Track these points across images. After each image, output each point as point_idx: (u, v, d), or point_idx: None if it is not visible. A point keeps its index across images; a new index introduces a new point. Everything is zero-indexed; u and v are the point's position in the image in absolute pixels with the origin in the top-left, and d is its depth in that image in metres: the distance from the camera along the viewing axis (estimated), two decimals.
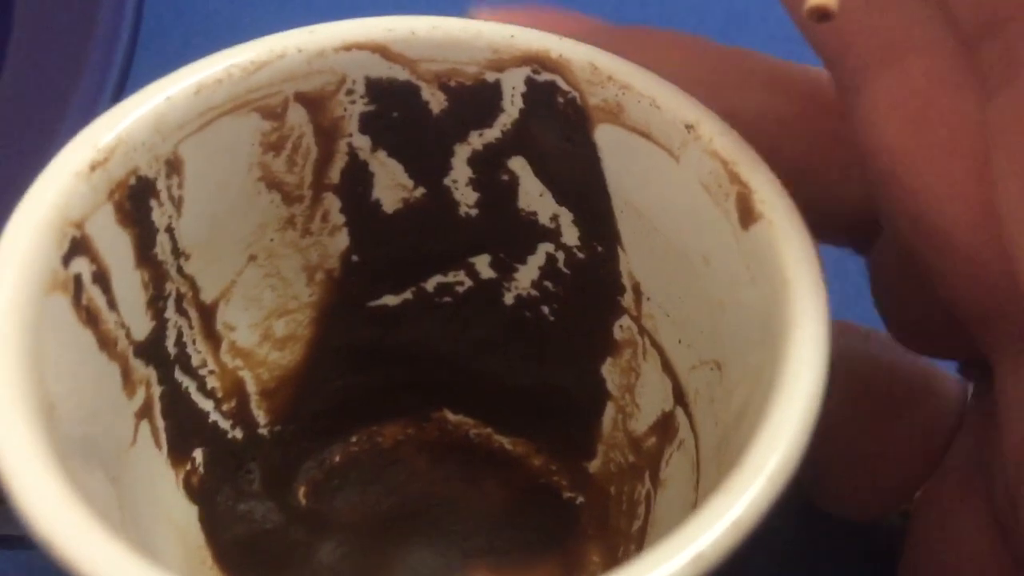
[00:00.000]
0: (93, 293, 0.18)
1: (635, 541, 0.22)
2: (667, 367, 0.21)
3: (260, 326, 0.22)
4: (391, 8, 0.20)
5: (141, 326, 0.19)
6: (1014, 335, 0.16)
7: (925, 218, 0.16)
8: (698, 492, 0.19)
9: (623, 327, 0.22)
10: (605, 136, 0.20)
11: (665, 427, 0.21)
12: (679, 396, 0.20)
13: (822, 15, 0.15)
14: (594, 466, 0.23)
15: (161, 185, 0.19)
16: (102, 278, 0.18)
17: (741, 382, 0.18)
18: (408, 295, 0.23)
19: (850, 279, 0.21)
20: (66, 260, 0.17)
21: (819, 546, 0.23)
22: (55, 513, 0.14)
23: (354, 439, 0.24)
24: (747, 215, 0.17)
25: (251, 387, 0.22)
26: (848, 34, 0.17)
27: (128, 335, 0.19)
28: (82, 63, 0.27)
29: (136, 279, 0.19)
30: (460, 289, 0.23)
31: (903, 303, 0.19)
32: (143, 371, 0.19)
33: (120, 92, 0.28)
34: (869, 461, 0.21)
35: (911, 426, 0.20)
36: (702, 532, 0.14)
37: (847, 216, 0.19)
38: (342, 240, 0.22)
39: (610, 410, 0.22)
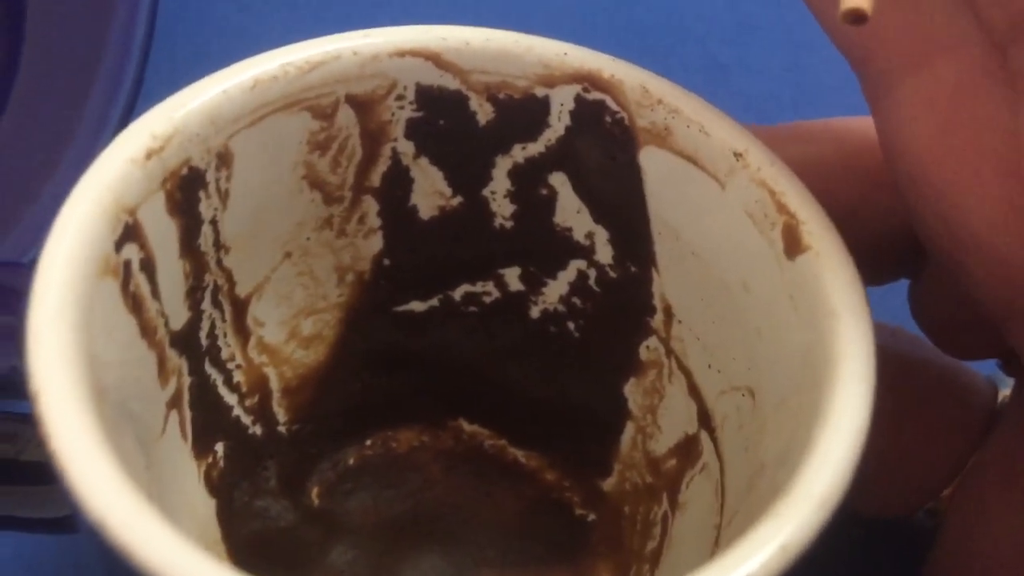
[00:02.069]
0: (140, 280, 0.18)
1: (649, 561, 0.22)
2: (693, 390, 0.21)
3: (288, 324, 0.22)
4: (402, 17, 0.20)
5: (179, 316, 0.19)
6: None
7: (954, 219, 0.17)
8: (723, 516, 0.19)
9: (650, 348, 0.22)
10: (650, 158, 0.20)
11: (687, 450, 0.21)
12: (704, 420, 0.21)
13: (857, 18, 0.15)
14: (609, 484, 0.23)
15: (211, 177, 0.19)
16: (148, 266, 0.18)
17: (776, 411, 0.18)
18: (435, 302, 0.23)
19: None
20: (118, 245, 0.17)
21: (845, 542, 0.23)
22: (108, 495, 0.14)
23: (369, 443, 0.24)
24: (794, 245, 0.18)
25: (274, 384, 0.22)
26: (877, 37, 0.17)
27: (166, 324, 0.19)
28: (95, 72, 0.27)
29: (178, 269, 0.19)
30: (487, 299, 0.23)
31: (951, 316, 0.20)
32: (176, 361, 0.19)
33: (133, 102, 0.28)
34: (897, 458, 0.21)
35: (939, 423, 0.20)
36: (751, 555, 0.14)
37: (897, 246, 0.20)
38: (376, 243, 0.22)
39: (630, 429, 0.23)
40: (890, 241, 0.20)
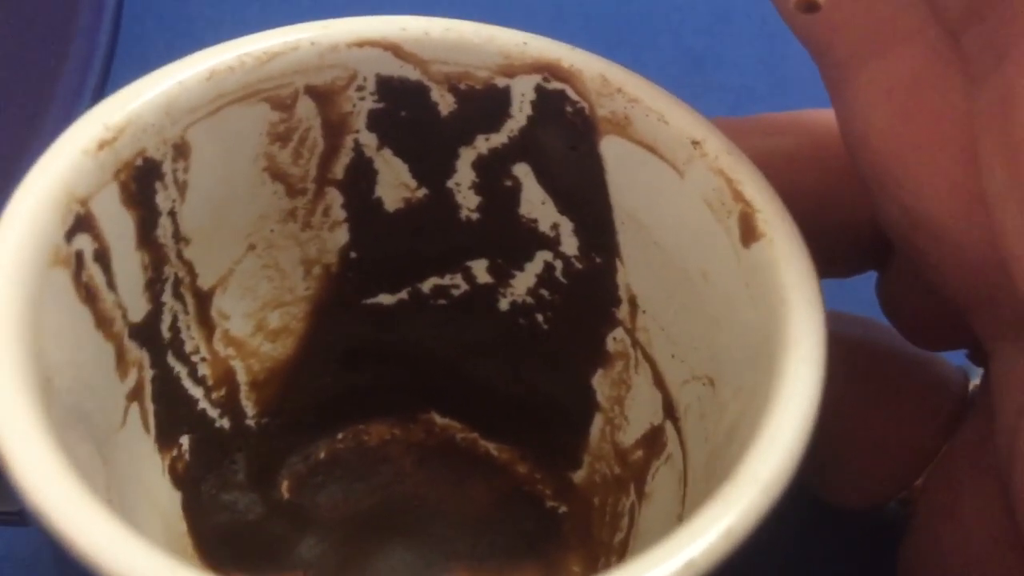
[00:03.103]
0: (93, 271, 0.18)
1: (616, 553, 0.22)
2: (659, 381, 0.21)
3: (254, 317, 0.22)
4: (370, 9, 0.20)
5: (138, 308, 0.19)
6: (1005, 320, 0.16)
7: (915, 208, 0.16)
8: (685, 506, 0.19)
9: (616, 339, 0.22)
10: (611, 148, 0.20)
11: (653, 441, 0.21)
12: (669, 410, 0.21)
13: (810, 6, 0.16)
14: (579, 476, 0.23)
15: (167, 168, 0.19)
16: (103, 257, 0.18)
17: (733, 399, 0.18)
18: (404, 295, 0.23)
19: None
20: (69, 236, 0.17)
21: (817, 533, 0.23)
22: (49, 484, 0.14)
23: (340, 436, 0.24)
24: (749, 233, 0.18)
25: (241, 377, 0.22)
26: (834, 25, 0.17)
27: (124, 316, 0.19)
28: (62, 66, 0.27)
29: (136, 261, 0.19)
30: (456, 292, 0.23)
31: (919, 307, 0.20)
32: (136, 353, 0.19)
33: (100, 94, 0.27)
34: (869, 448, 0.21)
35: (911, 412, 0.20)
36: (694, 539, 0.14)
37: (864, 237, 0.19)
38: (342, 236, 0.22)
39: (598, 421, 0.23)
40: (856, 232, 0.20)
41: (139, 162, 0.18)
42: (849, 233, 0.20)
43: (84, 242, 0.17)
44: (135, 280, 0.19)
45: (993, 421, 0.18)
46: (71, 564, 0.14)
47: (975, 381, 0.21)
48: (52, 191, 0.17)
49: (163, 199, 0.19)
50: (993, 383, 0.17)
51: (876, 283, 0.21)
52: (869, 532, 0.24)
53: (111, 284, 0.18)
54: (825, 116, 0.20)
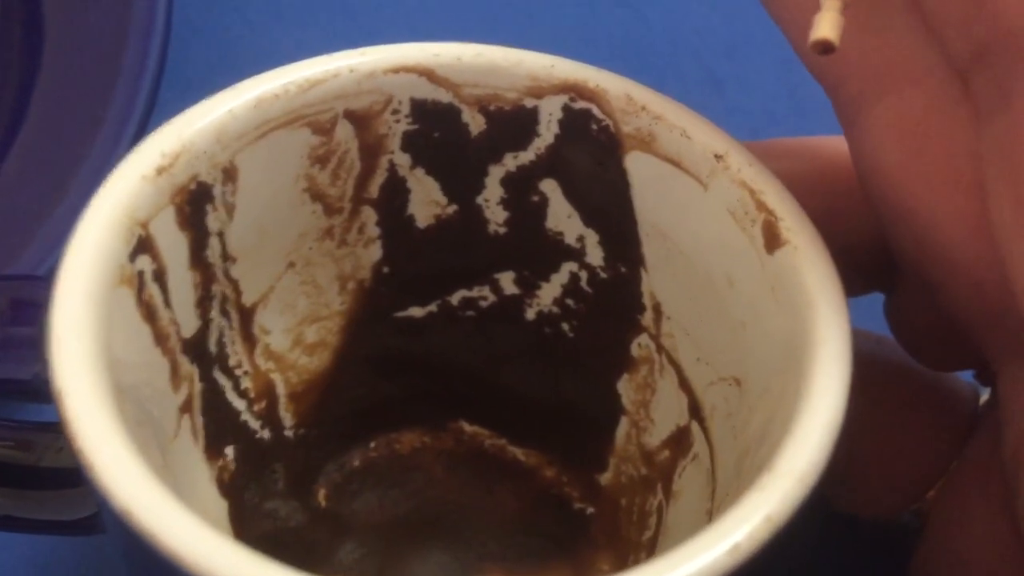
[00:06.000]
0: (153, 290, 0.19)
1: (646, 549, 0.23)
2: (684, 383, 0.22)
3: (293, 331, 0.23)
4: (405, 33, 0.21)
5: (189, 324, 0.20)
6: (1011, 343, 0.17)
7: (924, 236, 0.17)
8: (714, 501, 0.20)
9: (641, 345, 0.23)
10: (636, 163, 0.21)
11: (679, 441, 0.22)
12: (695, 411, 0.22)
13: (825, 48, 0.17)
14: (605, 478, 0.24)
15: (217, 191, 0.20)
16: (160, 276, 0.19)
17: (761, 399, 0.19)
18: (433, 307, 0.24)
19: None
20: (132, 257, 0.18)
21: (831, 543, 0.23)
22: (134, 486, 0.14)
23: (373, 445, 0.25)
24: (773, 241, 0.19)
25: (280, 389, 0.23)
26: (847, 64, 0.18)
27: (178, 332, 0.20)
28: (110, 92, 0.28)
29: (188, 279, 0.20)
30: (484, 304, 0.24)
31: (927, 329, 0.21)
32: (188, 368, 0.20)
33: (146, 122, 0.28)
34: (883, 460, 0.21)
35: (924, 426, 0.21)
36: (738, 526, 0.15)
37: (867, 259, 0.20)
38: (375, 252, 0.23)
39: (624, 424, 0.24)
40: (860, 254, 0.20)
41: (193, 186, 0.19)
42: (853, 255, 0.20)
43: (145, 263, 0.18)
44: (187, 298, 0.20)
45: (998, 437, 0.19)
46: (154, 566, 0.15)
47: (984, 396, 0.22)
48: (116, 214, 0.18)
49: (213, 221, 0.20)
50: (1000, 401, 0.18)
51: (884, 305, 0.22)
52: (883, 542, 0.24)
53: (167, 302, 0.19)
54: (831, 142, 0.21)
